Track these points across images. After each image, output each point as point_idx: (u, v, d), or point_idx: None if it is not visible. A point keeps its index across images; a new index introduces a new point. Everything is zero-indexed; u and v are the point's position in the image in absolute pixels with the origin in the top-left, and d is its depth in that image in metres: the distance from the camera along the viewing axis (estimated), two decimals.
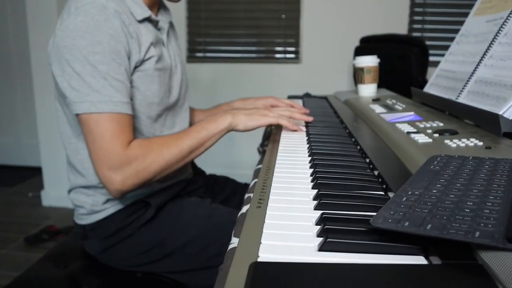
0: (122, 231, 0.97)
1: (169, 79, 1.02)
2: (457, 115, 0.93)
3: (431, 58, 1.92)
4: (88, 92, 0.83)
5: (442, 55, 1.17)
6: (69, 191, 1.02)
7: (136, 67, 0.91)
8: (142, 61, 0.92)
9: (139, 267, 0.99)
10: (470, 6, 1.12)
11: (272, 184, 0.62)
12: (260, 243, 0.43)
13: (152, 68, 0.94)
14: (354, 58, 1.51)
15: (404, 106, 1.12)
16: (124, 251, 0.98)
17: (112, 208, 0.97)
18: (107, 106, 0.83)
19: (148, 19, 0.96)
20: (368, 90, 1.43)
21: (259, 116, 0.96)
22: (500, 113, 0.76)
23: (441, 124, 0.86)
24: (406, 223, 0.40)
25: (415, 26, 2.56)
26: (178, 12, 2.72)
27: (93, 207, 0.97)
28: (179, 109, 1.10)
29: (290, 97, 1.72)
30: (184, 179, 1.11)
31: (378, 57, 1.44)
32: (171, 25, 1.10)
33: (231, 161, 2.82)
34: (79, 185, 0.98)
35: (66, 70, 0.84)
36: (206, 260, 0.96)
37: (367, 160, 0.74)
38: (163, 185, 1.02)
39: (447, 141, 0.73)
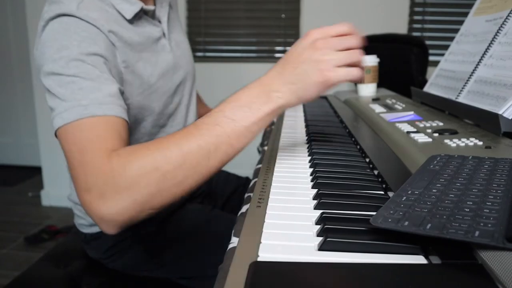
0: (122, 243, 0.96)
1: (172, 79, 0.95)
2: (457, 114, 0.93)
3: (431, 58, 1.92)
4: (57, 105, 0.68)
5: (442, 54, 1.17)
6: (70, 197, 1.01)
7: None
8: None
9: (140, 272, 0.98)
10: (470, 6, 1.12)
11: (272, 184, 0.62)
12: (260, 242, 0.43)
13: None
14: None
15: (404, 105, 1.12)
16: (125, 259, 0.97)
17: None
18: (74, 112, 0.66)
19: (140, 13, 0.85)
20: (368, 89, 1.43)
21: (316, 81, 0.62)
22: (500, 112, 0.76)
23: (441, 124, 0.86)
24: (406, 223, 0.40)
25: (415, 25, 2.56)
26: (178, 12, 2.72)
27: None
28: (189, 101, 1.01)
29: None
30: None
31: (378, 56, 1.44)
32: (170, 6, 1.00)
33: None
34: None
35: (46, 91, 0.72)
36: (210, 269, 0.96)
37: (367, 160, 0.74)
38: None
39: (447, 141, 0.73)
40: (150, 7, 0.89)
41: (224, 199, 1.21)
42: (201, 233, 0.98)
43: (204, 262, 0.95)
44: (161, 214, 0.96)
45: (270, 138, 0.98)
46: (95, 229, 0.97)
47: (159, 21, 0.94)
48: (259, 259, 0.40)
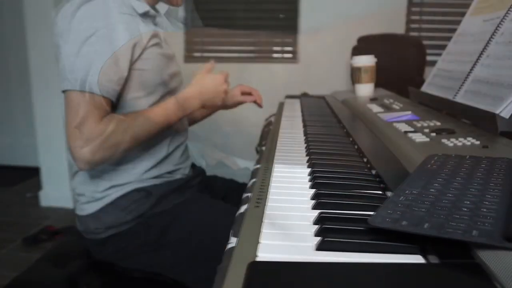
0: (128, 249, 0.97)
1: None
2: (454, 114, 0.93)
3: (429, 58, 1.92)
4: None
5: (440, 54, 1.17)
6: (76, 207, 1.01)
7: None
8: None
9: (140, 266, 0.99)
10: (467, 6, 1.12)
11: (271, 184, 0.62)
12: (259, 242, 0.43)
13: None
14: (351, 58, 1.51)
15: (401, 105, 1.12)
16: (131, 262, 0.98)
17: (115, 229, 0.97)
18: None
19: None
20: (365, 89, 1.44)
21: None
22: (497, 112, 0.76)
23: (438, 123, 0.87)
24: (404, 223, 0.40)
25: (413, 25, 2.56)
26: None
27: (96, 231, 0.97)
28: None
29: (287, 97, 1.72)
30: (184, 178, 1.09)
31: (376, 56, 1.44)
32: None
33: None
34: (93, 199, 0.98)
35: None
36: (207, 261, 0.96)
37: (365, 160, 0.74)
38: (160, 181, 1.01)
39: (444, 140, 0.73)
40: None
41: (221, 197, 1.21)
42: (204, 236, 0.98)
43: (208, 264, 0.95)
44: (162, 219, 0.96)
45: (268, 138, 0.98)
46: (96, 236, 0.97)
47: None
48: (257, 259, 0.40)
